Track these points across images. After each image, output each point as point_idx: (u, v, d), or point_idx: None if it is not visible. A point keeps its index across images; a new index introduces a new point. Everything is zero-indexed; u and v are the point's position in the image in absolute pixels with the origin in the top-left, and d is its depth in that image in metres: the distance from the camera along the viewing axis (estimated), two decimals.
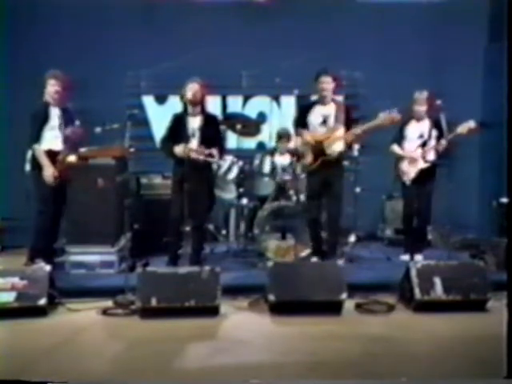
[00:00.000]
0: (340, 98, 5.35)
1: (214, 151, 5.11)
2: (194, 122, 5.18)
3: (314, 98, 5.55)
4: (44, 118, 5.22)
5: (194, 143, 5.12)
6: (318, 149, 5.19)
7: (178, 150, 5.06)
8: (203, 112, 5.23)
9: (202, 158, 5.06)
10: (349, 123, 5.21)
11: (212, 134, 5.20)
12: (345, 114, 5.20)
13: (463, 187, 6.62)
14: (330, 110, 5.23)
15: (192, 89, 5.09)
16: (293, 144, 5.81)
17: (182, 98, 5.20)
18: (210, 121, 5.25)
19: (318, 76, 5.22)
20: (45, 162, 5.18)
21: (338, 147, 5.20)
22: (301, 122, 5.39)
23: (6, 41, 6.59)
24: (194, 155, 5.05)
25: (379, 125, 5.10)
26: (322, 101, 5.27)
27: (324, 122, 5.22)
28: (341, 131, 5.18)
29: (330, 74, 5.20)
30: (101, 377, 3.30)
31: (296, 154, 5.62)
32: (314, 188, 5.34)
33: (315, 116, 5.28)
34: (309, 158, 5.28)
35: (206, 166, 5.24)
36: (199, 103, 5.17)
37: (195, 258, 5.16)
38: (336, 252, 5.36)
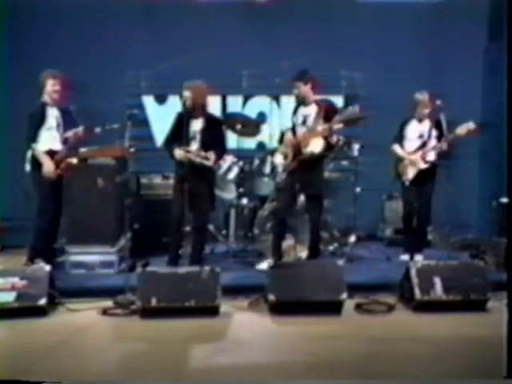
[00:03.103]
0: (319, 98, 5.38)
1: (212, 155, 5.06)
2: (196, 125, 5.15)
3: None
4: (41, 119, 5.22)
5: (194, 146, 5.12)
6: (296, 148, 5.20)
7: (178, 153, 5.05)
8: (205, 114, 5.21)
9: (198, 160, 5.05)
10: (328, 122, 5.13)
11: (213, 136, 5.16)
12: (324, 114, 5.15)
13: (463, 187, 6.63)
14: (310, 110, 5.23)
15: (193, 93, 5.07)
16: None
17: (182, 97, 5.19)
18: (211, 123, 5.22)
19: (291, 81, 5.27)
20: (44, 159, 5.18)
21: (315, 147, 5.15)
22: (291, 123, 5.45)
23: (6, 41, 6.59)
24: (192, 157, 5.05)
25: (349, 118, 5.04)
26: (302, 102, 5.29)
27: (304, 122, 5.24)
28: (319, 130, 5.14)
29: (301, 79, 5.19)
30: (101, 377, 3.30)
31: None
32: (290, 188, 5.28)
33: (297, 117, 5.33)
34: (289, 158, 5.31)
35: (206, 168, 5.23)
36: (200, 106, 5.17)
37: (195, 258, 5.16)
38: (319, 252, 5.33)
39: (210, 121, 5.23)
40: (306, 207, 5.35)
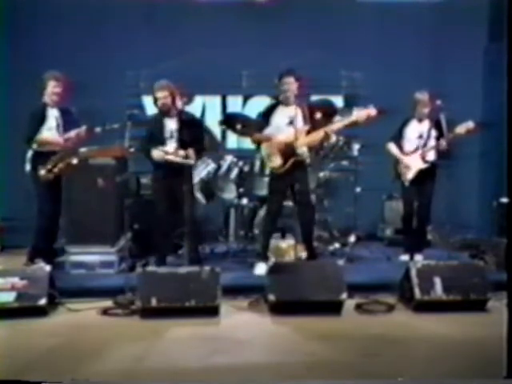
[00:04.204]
0: (303, 99, 5.34)
1: (191, 152, 5.08)
2: (171, 124, 5.17)
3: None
4: (41, 119, 5.22)
5: (171, 145, 5.13)
6: (288, 150, 5.08)
7: (156, 154, 5.07)
8: (179, 113, 5.22)
9: (178, 160, 5.06)
10: (315, 123, 5.11)
11: (191, 134, 5.15)
12: (309, 115, 5.12)
13: (463, 187, 6.63)
14: (293, 111, 5.08)
15: (162, 93, 5.08)
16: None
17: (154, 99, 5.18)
18: (187, 121, 5.22)
19: (280, 77, 5.13)
20: (52, 138, 5.21)
21: (306, 148, 5.15)
22: (264, 123, 5.27)
23: (7, 41, 6.59)
24: (170, 158, 5.06)
25: (354, 121, 5.01)
26: (285, 102, 5.17)
27: (291, 122, 5.09)
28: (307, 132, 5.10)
29: (293, 75, 5.11)
30: (101, 377, 3.30)
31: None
32: (279, 192, 5.25)
33: (280, 117, 5.18)
34: (277, 160, 5.15)
35: (185, 169, 5.17)
36: (173, 105, 5.15)
37: (194, 258, 5.17)
38: (315, 254, 5.32)
39: (186, 119, 5.23)
40: (297, 210, 5.32)
